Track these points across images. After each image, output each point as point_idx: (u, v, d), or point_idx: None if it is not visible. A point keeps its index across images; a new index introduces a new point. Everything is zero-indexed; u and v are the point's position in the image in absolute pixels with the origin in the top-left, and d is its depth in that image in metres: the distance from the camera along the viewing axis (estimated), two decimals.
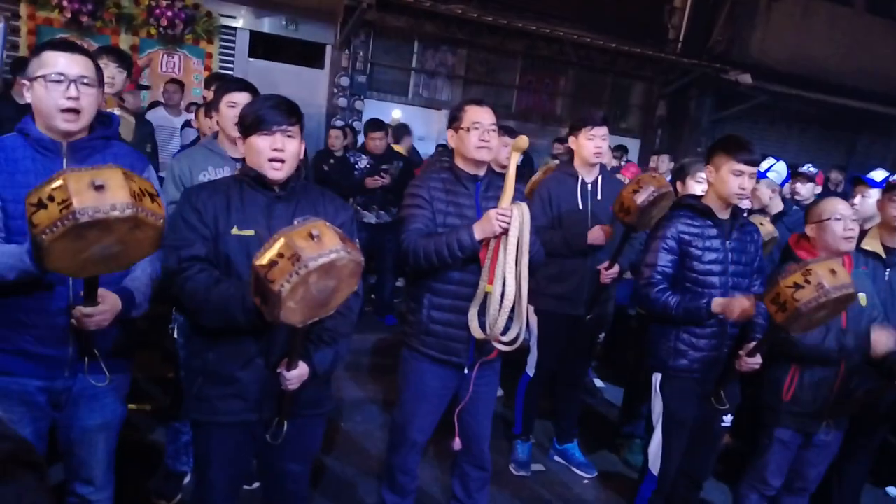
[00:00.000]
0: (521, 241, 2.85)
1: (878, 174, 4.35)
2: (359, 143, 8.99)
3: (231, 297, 2.19)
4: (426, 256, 2.91)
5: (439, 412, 3.26)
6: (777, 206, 4.72)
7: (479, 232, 2.85)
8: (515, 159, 2.94)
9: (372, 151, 6.62)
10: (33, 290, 2.19)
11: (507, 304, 2.83)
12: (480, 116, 3.03)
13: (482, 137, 3.01)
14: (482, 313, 2.94)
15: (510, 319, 2.91)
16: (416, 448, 3.31)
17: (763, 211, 4.69)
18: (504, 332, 2.93)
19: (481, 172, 3.11)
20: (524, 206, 2.88)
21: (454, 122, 3.11)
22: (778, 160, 4.95)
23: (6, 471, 0.90)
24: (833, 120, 12.89)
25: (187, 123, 5.86)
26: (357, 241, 2.34)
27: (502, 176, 2.98)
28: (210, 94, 5.34)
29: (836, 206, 3.19)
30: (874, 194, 4.09)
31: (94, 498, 2.52)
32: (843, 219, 3.13)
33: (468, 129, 3.02)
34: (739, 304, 2.91)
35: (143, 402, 4.36)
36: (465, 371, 3.13)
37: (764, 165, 4.61)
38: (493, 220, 2.81)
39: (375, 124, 6.78)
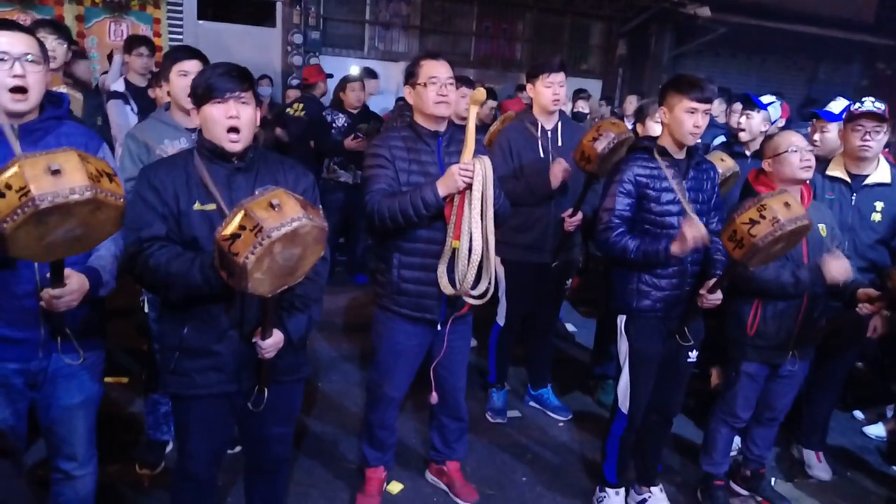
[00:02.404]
0: (485, 195, 2.87)
1: (837, 105, 4.20)
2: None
3: (189, 263, 2.21)
4: (391, 216, 2.92)
5: (414, 368, 3.32)
6: None
7: (442, 188, 2.87)
8: (474, 112, 2.94)
9: (351, 104, 6.49)
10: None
11: (475, 258, 2.87)
12: (437, 71, 3.02)
13: (440, 92, 3.00)
14: (451, 269, 2.97)
15: (479, 273, 2.95)
16: (394, 404, 3.37)
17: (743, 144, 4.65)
18: (473, 287, 2.98)
19: (442, 128, 3.11)
20: (486, 160, 2.89)
21: (411, 77, 3.09)
22: (779, 99, 4.97)
23: None
24: (793, 48, 12.90)
25: (114, 95, 5.20)
26: (320, 206, 2.35)
27: (463, 129, 2.98)
28: (129, 58, 5.15)
29: (791, 138, 3.25)
30: (833, 128, 4.06)
31: (78, 473, 2.56)
32: (799, 150, 3.18)
33: (425, 85, 3.01)
34: (691, 233, 2.89)
35: (121, 376, 4.36)
36: (439, 327, 3.18)
37: (765, 100, 4.59)
38: (455, 176, 2.83)
39: (349, 78, 6.70)
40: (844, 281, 3.22)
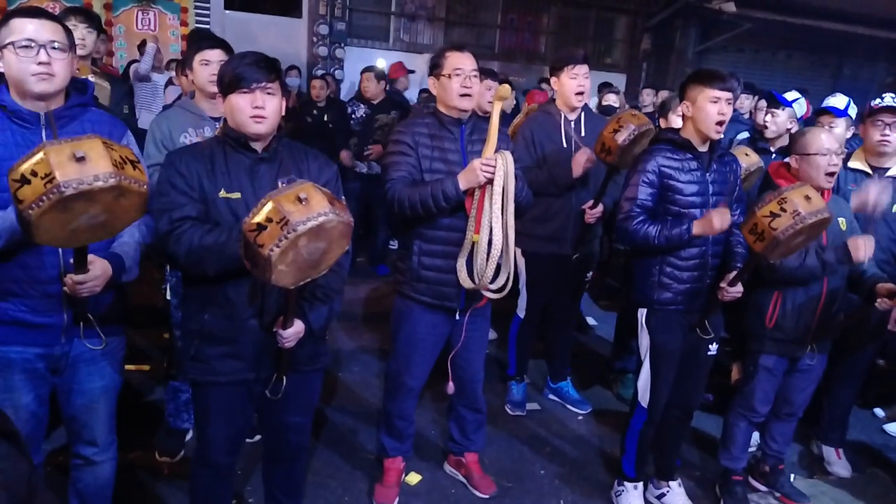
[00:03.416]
0: (507, 190, 2.86)
1: (840, 101, 4.29)
2: (342, 93, 8.92)
3: (226, 234, 2.23)
4: (412, 206, 2.94)
5: (433, 358, 3.33)
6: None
7: (463, 182, 2.87)
8: (498, 108, 2.93)
9: (363, 95, 6.55)
10: (24, 260, 2.22)
11: (495, 253, 2.87)
12: (461, 63, 3.02)
13: (464, 84, 3.00)
14: (470, 262, 2.98)
15: (498, 267, 2.95)
16: (412, 393, 3.38)
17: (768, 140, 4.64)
18: (492, 281, 2.98)
19: (465, 116, 3.11)
20: (508, 155, 2.88)
21: (435, 69, 3.09)
22: (803, 95, 4.97)
23: None
24: (819, 45, 12.74)
25: (171, 81, 5.67)
26: (343, 198, 2.36)
27: (486, 119, 2.98)
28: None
29: (823, 139, 3.17)
30: (841, 123, 4.13)
31: (99, 459, 2.59)
32: (829, 154, 3.13)
33: (449, 76, 3.01)
34: (717, 217, 2.93)
35: (142, 363, 4.41)
36: (457, 316, 3.18)
37: (789, 97, 4.59)
38: (477, 171, 2.82)
39: (367, 68, 6.77)
40: (866, 257, 3.13)
